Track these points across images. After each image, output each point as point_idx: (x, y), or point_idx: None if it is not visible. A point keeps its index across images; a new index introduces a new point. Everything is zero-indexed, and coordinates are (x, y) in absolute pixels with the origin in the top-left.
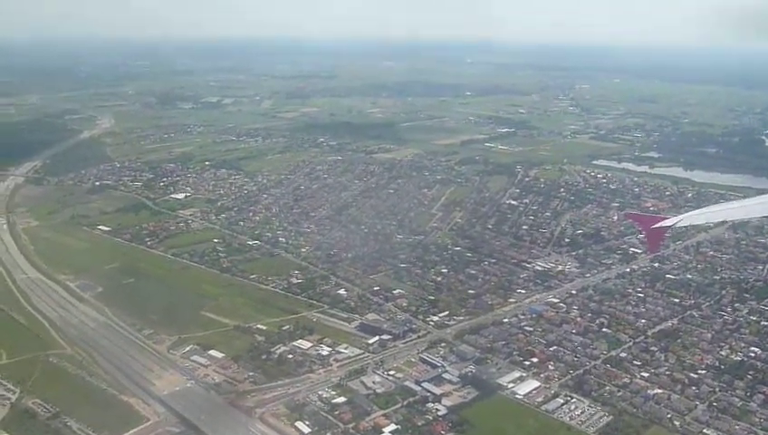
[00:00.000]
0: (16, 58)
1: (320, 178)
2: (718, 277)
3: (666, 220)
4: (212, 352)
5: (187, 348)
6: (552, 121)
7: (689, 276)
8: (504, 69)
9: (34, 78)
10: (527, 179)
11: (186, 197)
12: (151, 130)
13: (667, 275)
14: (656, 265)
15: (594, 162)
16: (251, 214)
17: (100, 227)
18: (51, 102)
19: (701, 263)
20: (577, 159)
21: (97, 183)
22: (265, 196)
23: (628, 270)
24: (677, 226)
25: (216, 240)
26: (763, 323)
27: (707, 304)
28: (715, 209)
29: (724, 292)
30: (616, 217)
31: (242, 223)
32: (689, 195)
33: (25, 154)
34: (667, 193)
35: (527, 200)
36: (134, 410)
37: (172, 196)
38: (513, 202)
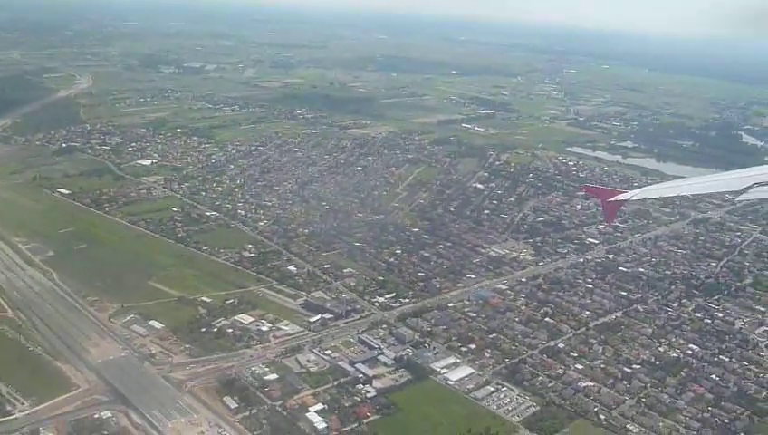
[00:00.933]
0: (3, 12)
1: (290, 152)
2: (670, 272)
3: (622, 194)
4: (152, 323)
5: (128, 317)
6: (534, 105)
7: (641, 270)
8: (495, 49)
9: (20, 34)
10: (497, 163)
11: (152, 163)
12: (129, 93)
13: (620, 268)
14: (610, 256)
15: (568, 149)
16: (215, 184)
17: (60, 190)
18: (32, 60)
19: (656, 257)
20: (552, 144)
21: (64, 145)
22: (232, 166)
23: (582, 260)
24: (633, 199)
25: (174, 209)
26: (706, 320)
27: (654, 298)
28: (669, 185)
29: (673, 287)
30: (579, 207)
31: (204, 193)
32: None
33: None
34: (635, 184)
35: (494, 184)
36: (65, 376)
37: (138, 162)
38: (479, 186)
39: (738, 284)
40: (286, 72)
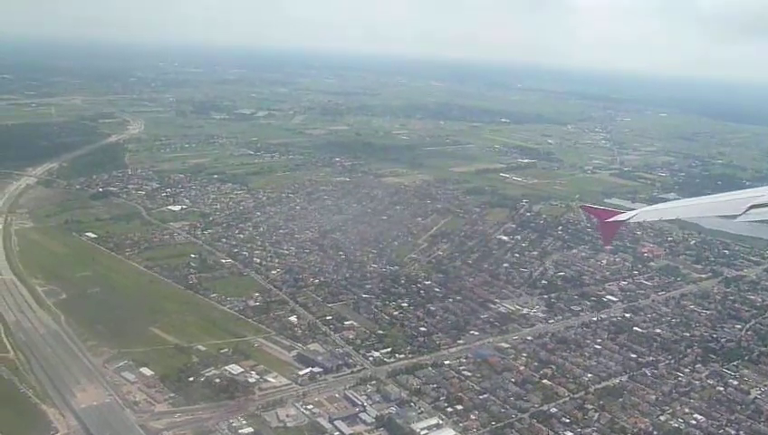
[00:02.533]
0: (74, 60)
1: (319, 200)
2: (689, 334)
3: (620, 215)
4: (143, 370)
5: (121, 363)
6: (578, 154)
7: (658, 331)
8: (551, 97)
9: (85, 80)
10: (528, 214)
11: (181, 209)
12: (175, 138)
13: (635, 328)
14: (627, 315)
15: (606, 200)
16: (237, 231)
17: (88, 233)
18: (93, 105)
19: (677, 317)
20: (589, 195)
21: (101, 189)
22: (259, 214)
23: (595, 319)
24: (631, 221)
25: (192, 255)
26: (718, 387)
27: (666, 362)
28: (667, 206)
29: (689, 350)
30: (604, 262)
31: (225, 240)
32: (692, 242)
33: (48, 155)
34: (669, 238)
35: (519, 237)
36: (47, 420)
37: (169, 207)
38: (504, 238)
39: (762, 349)
40: (334, 119)
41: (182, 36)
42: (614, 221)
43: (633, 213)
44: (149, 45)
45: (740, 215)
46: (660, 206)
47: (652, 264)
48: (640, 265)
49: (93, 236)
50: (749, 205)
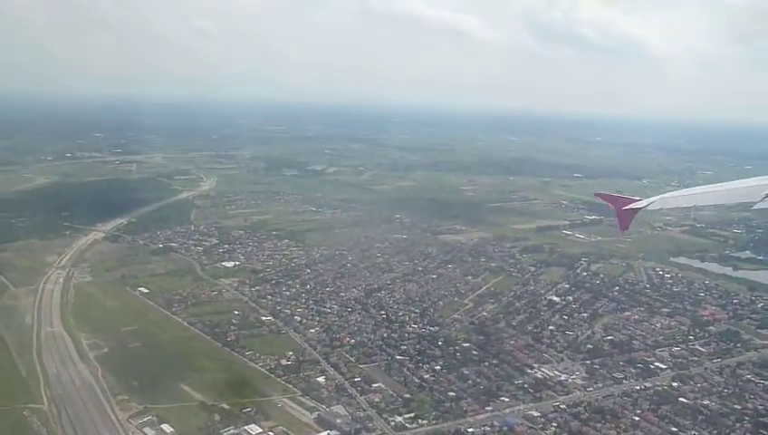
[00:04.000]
0: (164, 118)
1: (371, 257)
2: (740, 407)
3: (637, 202)
4: (163, 426)
5: (145, 419)
6: (649, 211)
7: (705, 402)
8: (629, 149)
9: (170, 138)
10: (585, 274)
11: (235, 265)
12: (243, 195)
13: (681, 399)
14: (675, 384)
15: (673, 259)
16: (284, 288)
17: (140, 288)
18: (172, 162)
19: (730, 388)
20: (655, 254)
21: (161, 245)
22: (309, 270)
23: (639, 387)
24: (649, 208)
25: (236, 312)
26: None
27: None
28: (685, 193)
29: (738, 425)
30: (659, 325)
31: (270, 297)
32: (759, 305)
33: (120, 211)
34: (734, 301)
35: (571, 297)
36: None
37: (223, 263)
38: (555, 298)
39: None
40: (402, 175)
41: (276, 93)
42: (631, 208)
43: (651, 200)
44: (241, 103)
45: (758, 202)
46: (677, 193)
47: (711, 328)
48: (698, 330)
49: (145, 290)
50: (767, 192)
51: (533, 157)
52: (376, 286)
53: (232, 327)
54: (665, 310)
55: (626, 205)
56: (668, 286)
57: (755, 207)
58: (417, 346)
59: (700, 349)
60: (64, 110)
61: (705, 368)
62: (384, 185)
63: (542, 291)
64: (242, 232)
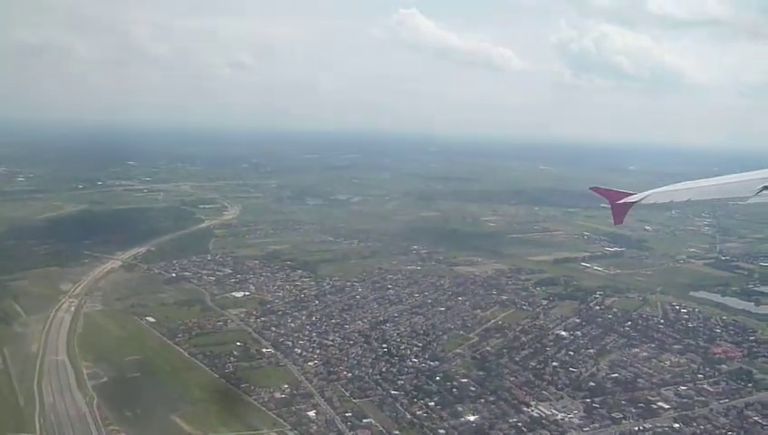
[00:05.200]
0: (200, 147)
1: (382, 289)
2: None
3: (631, 196)
4: None
5: None
6: (674, 242)
7: None
8: (661, 178)
9: (200, 167)
10: (598, 308)
11: (244, 295)
12: (264, 224)
13: None
14: (676, 425)
15: (692, 293)
16: (289, 320)
17: (148, 317)
18: (199, 191)
19: (735, 430)
20: (673, 287)
21: (174, 274)
22: (317, 302)
23: (638, 428)
24: (642, 202)
25: (237, 343)
26: None
27: None
28: (680, 187)
29: None
30: (668, 363)
31: (274, 328)
32: None
33: (140, 240)
34: (751, 338)
35: (580, 332)
36: None
37: (233, 293)
38: (563, 333)
39: None
40: (427, 205)
41: (309, 122)
42: (625, 202)
43: (644, 194)
44: (274, 132)
45: (752, 196)
46: (671, 187)
47: (723, 366)
48: (708, 368)
49: (152, 320)
50: (762, 186)
51: (562, 186)
52: (382, 319)
53: (231, 359)
54: (676, 347)
55: (620, 199)
56: (683, 322)
57: (749, 202)
58: (415, 381)
59: (708, 388)
60: (103, 138)
61: (711, 409)
62: (407, 215)
63: (551, 325)
64: (257, 262)
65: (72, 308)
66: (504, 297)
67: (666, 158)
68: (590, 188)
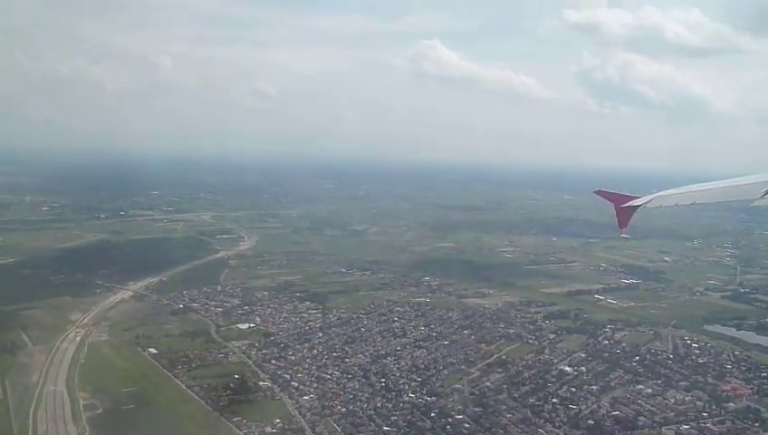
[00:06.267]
0: (227, 175)
1: (388, 321)
2: None
3: (636, 200)
4: None
5: None
6: (693, 273)
7: None
8: (688, 208)
9: (224, 196)
10: (606, 342)
11: (249, 327)
12: (279, 255)
13: None
14: None
15: (706, 327)
16: (291, 352)
17: (150, 349)
18: (218, 221)
19: None
20: (687, 321)
21: (181, 305)
22: (321, 334)
23: None
24: (647, 206)
25: (236, 376)
26: None
27: None
28: (686, 190)
29: None
30: (672, 401)
31: (274, 361)
32: None
33: (154, 270)
34: (763, 375)
35: (585, 368)
36: None
37: (238, 325)
38: (567, 368)
39: None
40: (444, 235)
41: (333, 152)
42: (629, 206)
43: (649, 197)
44: (297, 161)
45: (757, 199)
46: (675, 190)
47: (730, 404)
48: (714, 406)
49: (154, 351)
50: (767, 189)
51: (583, 216)
52: (384, 352)
53: (227, 392)
54: (682, 383)
55: (625, 203)
56: (693, 357)
57: (754, 204)
58: (409, 417)
59: (712, 428)
60: (129, 167)
61: None
62: (422, 246)
63: (555, 360)
64: (266, 293)
65: (78, 338)
66: (511, 331)
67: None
68: (595, 192)
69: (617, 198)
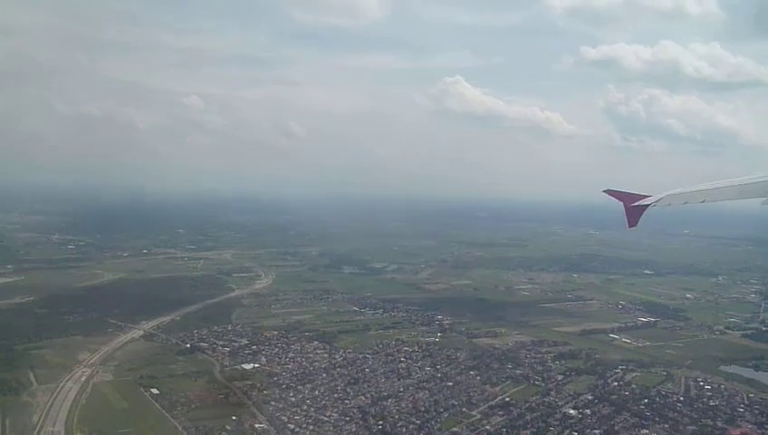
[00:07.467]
0: (252, 214)
1: (394, 362)
2: None
3: (645, 199)
4: None
5: None
6: (714, 311)
7: None
8: (716, 243)
9: (247, 234)
10: (615, 384)
11: (253, 367)
12: (293, 293)
13: None
14: None
15: (723, 368)
16: (291, 394)
17: (152, 389)
18: (238, 259)
19: None
20: (703, 361)
21: (188, 345)
22: (325, 375)
23: None
24: (656, 205)
25: (233, 417)
26: None
27: None
28: (696, 189)
29: None
30: None
31: (274, 402)
32: None
33: (167, 309)
34: None
35: (590, 411)
36: None
37: (242, 365)
38: (571, 411)
39: None
40: (461, 272)
41: (360, 190)
42: (639, 205)
43: (659, 196)
44: (325, 199)
45: None
46: (685, 189)
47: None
48: None
49: (156, 392)
50: None
51: (606, 252)
52: (386, 394)
53: (223, 434)
54: (690, 428)
55: (634, 202)
56: (705, 399)
57: (763, 203)
58: None
59: None
60: (159, 205)
61: None
62: (439, 284)
63: (560, 402)
64: (275, 332)
65: (83, 379)
66: (519, 372)
67: (726, 220)
68: (604, 191)
69: (626, 197)
